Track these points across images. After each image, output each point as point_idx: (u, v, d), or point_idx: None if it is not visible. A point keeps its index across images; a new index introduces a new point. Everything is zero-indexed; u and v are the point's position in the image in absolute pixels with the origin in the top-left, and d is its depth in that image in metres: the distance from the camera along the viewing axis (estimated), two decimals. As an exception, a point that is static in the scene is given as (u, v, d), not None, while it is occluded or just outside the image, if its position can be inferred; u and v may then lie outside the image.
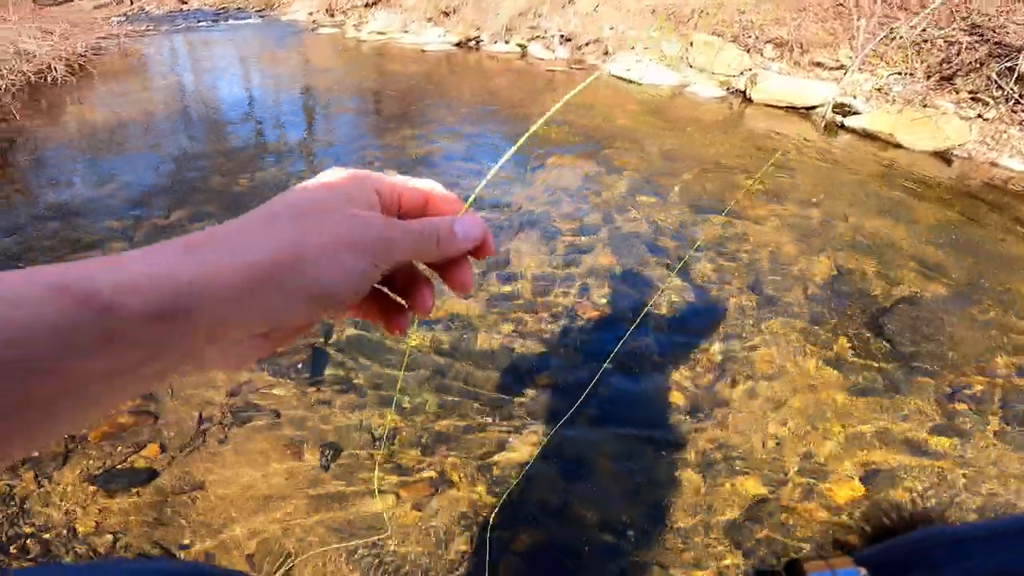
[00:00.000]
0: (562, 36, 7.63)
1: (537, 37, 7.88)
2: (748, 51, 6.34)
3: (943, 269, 2.98)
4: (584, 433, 1.97)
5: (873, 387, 2.21)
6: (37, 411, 0.23)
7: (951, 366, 2.32)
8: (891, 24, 5.64)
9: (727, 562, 1.60)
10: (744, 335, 2.46)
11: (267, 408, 2.05)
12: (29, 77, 5.94)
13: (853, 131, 5.05)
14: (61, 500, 1.72)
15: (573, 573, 1.57)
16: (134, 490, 1.75)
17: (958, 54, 5.10)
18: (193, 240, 0.28)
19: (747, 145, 4.71)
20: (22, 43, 6.39)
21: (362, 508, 1.71)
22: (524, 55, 7.81)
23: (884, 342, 2.44)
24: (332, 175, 0.34)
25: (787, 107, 5.59)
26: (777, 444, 1.96)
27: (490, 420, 2.03)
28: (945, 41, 5.31)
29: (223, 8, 11.78)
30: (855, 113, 5.19)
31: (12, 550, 1.58)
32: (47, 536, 1.62)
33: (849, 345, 2.42)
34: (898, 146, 4.75)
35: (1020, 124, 4.59)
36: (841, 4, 6.31)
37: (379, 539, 1.62)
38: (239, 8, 11.75)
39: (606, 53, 7.11)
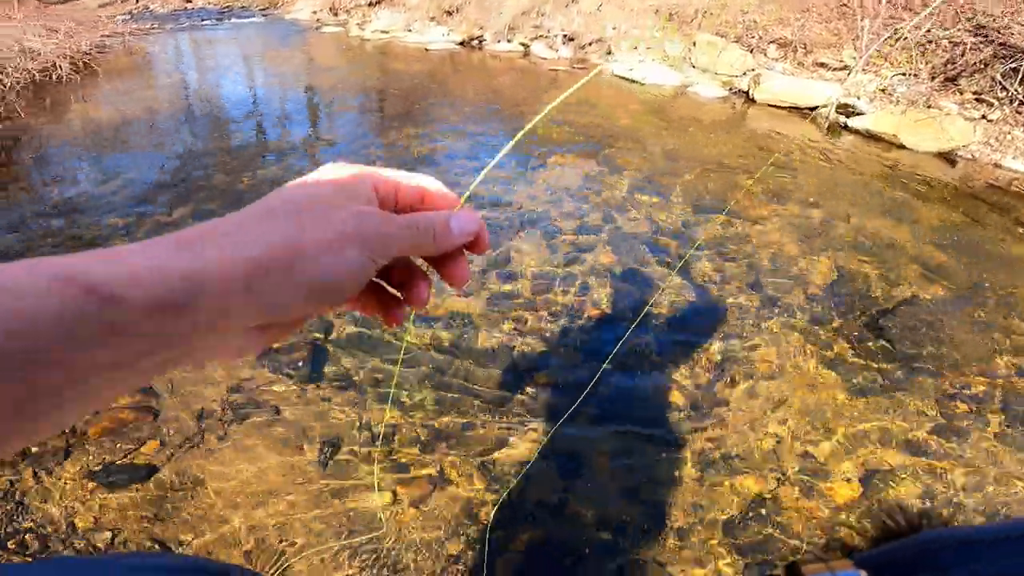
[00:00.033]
0: (565, 36, 7.63)
1: (540, 36, 7.88)
2: (751, 51, 6.32)
3: (945, 270, 2.97)
4: (583, 432, 1.97)
5: (873, 387, 2.21)
6: (39, 402, 0.24)
7: (952, 367, 2.31)
8: (896, 25, 5.62)
9: (725, 561, 1.60)
10: (744, 335, 2.45)
11: (267, 405, 2.05)
12: (34, 75, 5.97)
13: (856, 132, 5.04)
14: (60, 496, 1.73)
15: (571, 571, 1.57)
16: (133, 486, 1.76)
17: (963, 55, 5.09)
18: (193, 234, 0.28)
19: (749, 145, 4.70)
20: (27, 41, 6.42)
21: (361, 505, 1.71)
22: (527, 54, 7.81)
23: (884, 343, 2.44)
24: (330, 170, 0.34)
25: (790, 107, 5.58)
26: (776, 444, 1.96)
27: (489, 418, 2.03)
28: (950, 42, 5.29)
29: (227, 7, 11.81)
30: (858, 114, 5.17)
31: (11, 545, 1.59)
32: (46, 532, 1.63)
33: (849, 345, 2.42)
34: (901, 147, 4.74)
35: (1024, 125, 4.57)
36: (845, 5, 6.29)
37: (377, 536, 1.63)
38: (243, 7, 11.78)
39: (609, 53, 7.10)
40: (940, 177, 4.23)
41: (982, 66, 4.94)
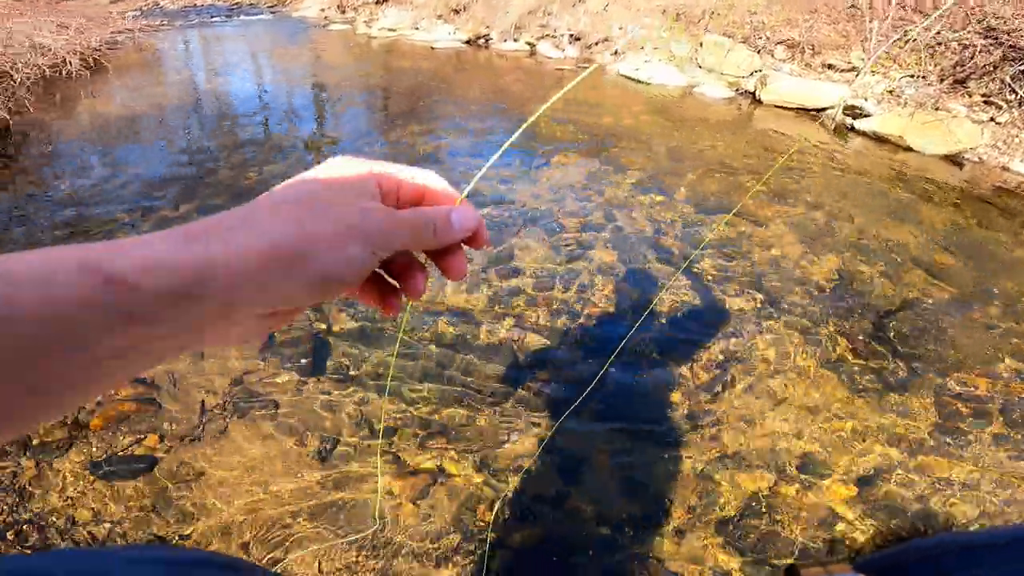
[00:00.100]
0: (571, 35, 7.62)
1: (546, 36, 7.88)
2: (759, 52, 6.30)
3: (950, 273, 2.95)
4: (584, 429, 1.97)
5: (874, 388, 2.20)
6: (57, 383, 0.25)
7: (954, 369, 2.30)
8: (905, 26, 5.58)
9: (724, 560, 1.60)
10: (746, 335, 2.45)
11: (268, 399, 2.07)
12: (44, 71, 6.02)
13: (863, 134, 5.01)
14: (61, 488, 1.74)
15: (570, 567, 1.57)
16: (134, 478, 1.77)
17: (972, 57, 5.05)
18: (201, 227, 0.29)
19: (755, 146, 4.68)
20: (38, 37, 6.48)
21: (360, 499, 1.72)
22: (533, 53, 7.80)
23: (887, 344, 2.43)
24: (334, 165, 0.35)
25: (797, 109, 5.55)
26: (776, 443, 1.96)
27: (490, 414, 2.03)
28: (959, 44, 5.25)
29: (236, 4, 11.87)
30: (866, 115, 5.14)
31: (10, 536, 1.60)
32: (45, 523, 1.64)
33: (851, 346, 2.41)
34: (908, 149, 4.71)
35: (1034, 128, 4.53)
36: (854, 6, 6.25)
37: (376, 530, 1.64)
38: (251, 4, 11.83)
39: (615, 52, 7.09)
40: (947, 180, 4.20)
41: (991, 68, 4.90)
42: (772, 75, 5.85)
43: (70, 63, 6.31)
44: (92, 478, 1.77)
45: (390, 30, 9.03)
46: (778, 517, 1.72)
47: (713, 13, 6.77)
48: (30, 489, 1.73)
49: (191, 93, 6.01)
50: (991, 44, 5.02)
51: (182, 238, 0.28)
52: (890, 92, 5.29)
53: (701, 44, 6.55)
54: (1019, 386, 2.23)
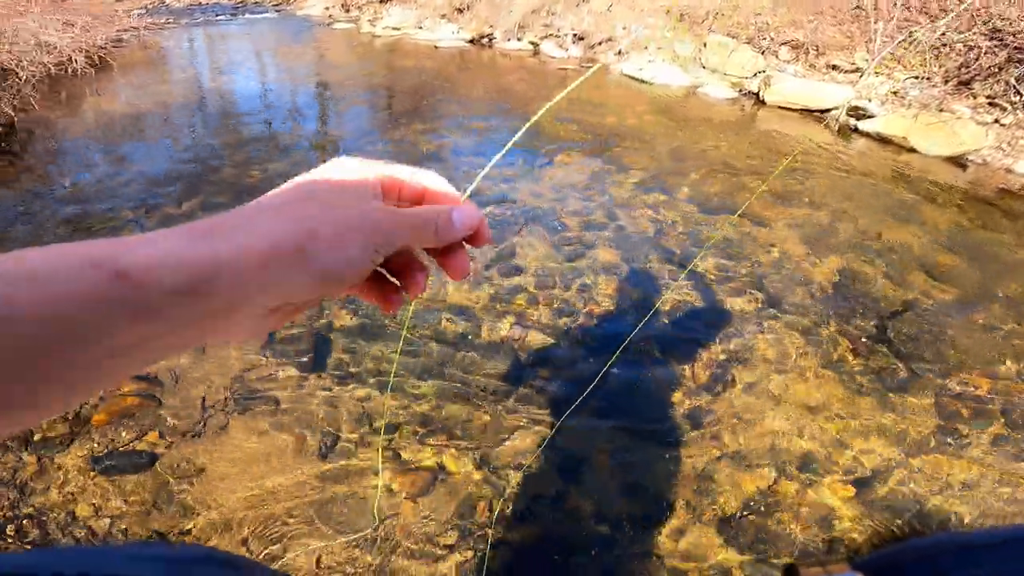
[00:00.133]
0: (575, 35, 7.62)
1: (550, 35, 7.88)
2: (763, 53, 6.28)
3: (952, 275, 2.95)
4: (584, 427, 1.98)
5: (875, 389, 2.20)
6: (66, 378, 0.26)
7: (955, 370, 2.30)
8: (910, 28, 5.56)
9: (724, 558, 1.60)
10: (747, 334, 2.45)
11: (268, 395, 2.08)
12: (49, 69, 6.04)
13: (867, 135, 4.99)
14: (62, 483, 1.74)
15: (570, 565, 1.58)
16: (134, 474, 1.78)
17: (977, 59, 5.03)
18: (207, 225, 0.30)
19: (758, 147, 4.68)
20: (44, 35, 6.51)
21: (360, 496, 1.73)
22: (536, 53, 7.80)
23: (888, 345, 2.42)
24: (337, 165, 0.35)
25: (801, 109, 5.54)
26: (777, 442, 1.96)
27: (491, 412, 2.04)
28: (964, 45, 5.23)
29: (241, 2, 11.90)
30: (870, 117, 5.13)
31: (9, 532, 1.60)
32: (46, 519, 1.64)
33: (852, 347, 2.41)
34: (912, 150, 4.69)
35: (1038, 130, 4.51)
36: (859, 7, 6.23)
37: (376, 527, 1.64)
38: (256, 2, 11.86)
39: (619, 52, 7.09)
40: (950, 181, 4.19)
41: (996, 70, 4.88)
42: (776, 76, 5.84)
43: (75, 61, 6.34)
44: (93, 473, 1.78)
45: (394, 29, 9.05)
46: (778, 516, 1.72)
47: (717, 14, 6.76)
48: (31, 484, 1.74)
49: (196, 91, 6.04)
50: (996, 45, 5.00)
51: (188, 236, 0.28)
52: (894, 93, 5.27)
53: (705, 44, 6.54)
54: (1020, 387, 2.22)
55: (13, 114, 4.82)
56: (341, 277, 0.32)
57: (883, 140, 4.89)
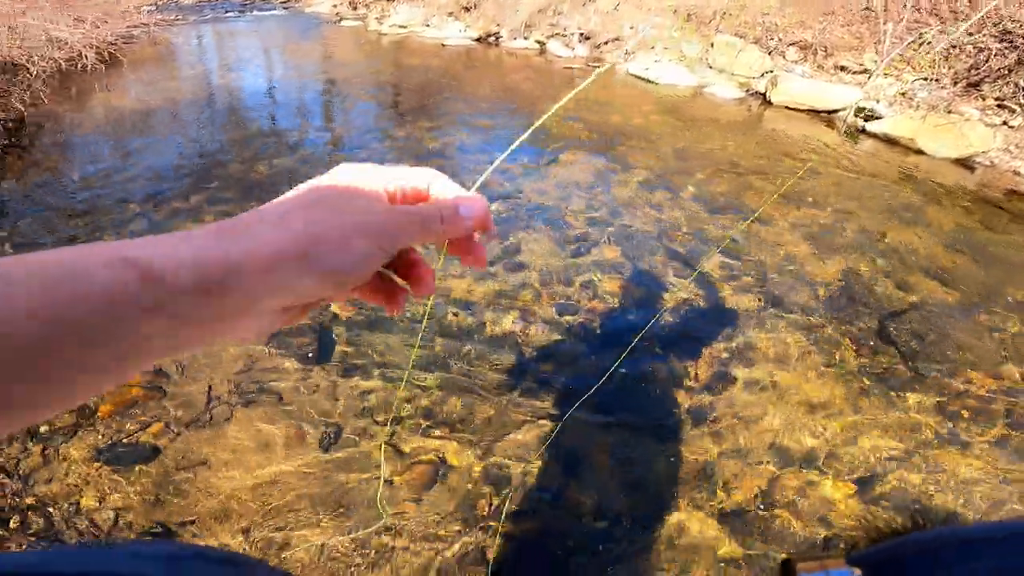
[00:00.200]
0: (581, 34, 7.61)
1: (556, 34, 7.88)
2: (770, 53, 6.26)
3: (958, 276, 2.93)
4: (587, 423, 1.98)
5: (877, 388, 2.19)
6: (90, 369, 0.27)
7: (958, 371, 2.29)
8: (919, 29, 5.53)
9: (723, 552, 1.61)
10: (751, 333, 2.45)
11: (273, 388, 2.09)
12: (60, 64, 6.09)
13: (875, 136, 4.97)
14: (66, 473, 1.75)
15: (571, 559, 1.58)
16: (138, 466, 1.79)
17: (987, 60, 4.99)
18: (226, 226, 0.31)
19: (765, 147, 4.66)
20: (55, 31, 6.56)
21: (363, 491, 1.74)
22: (543, 52, 7.80)
23: (892, 345, 2.42)
24: (341, 171, 0.37)
25: (808, 110, 5.52)
26: (777, 440, 1.96)
27: (495, 406, 2.05)
28: (974, 47, 5.19)
29: None
30: (877, 118, 5.10)
31: (12, 524, 1.60)
32: (50, 509, 1.65)
33: (855, 347, 2.40)
34: (920, 152, 4.67)
35: (1048, 133, 4.47)
36: (868, 8, 6.20)
37: (378, 522, 1.65)
38: None
39: (626, 52, 7.08)
40: (957, 183, 4.17)
41: (1006, 72, 4.84)
42: (783, 76, 5.82)
43: (86, 57, 6.38)
44: (98, 464, 1.79)
45: (401, 27, 9.07)
46: (779, 512, 1.72)
47: (725, 14, 6.74)
48: (36, 474, 1.74)
49: (204, 87, 6.07)
50: (1006, 47, 4.96)
51: (203, 238, 0.30)
52: (903, 95, 5.24)
53: (712, 44, 6.52)
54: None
55: (23, 109, 4.87)
56: (347, 278, 0.33)
57: (890, 141, 4.86)
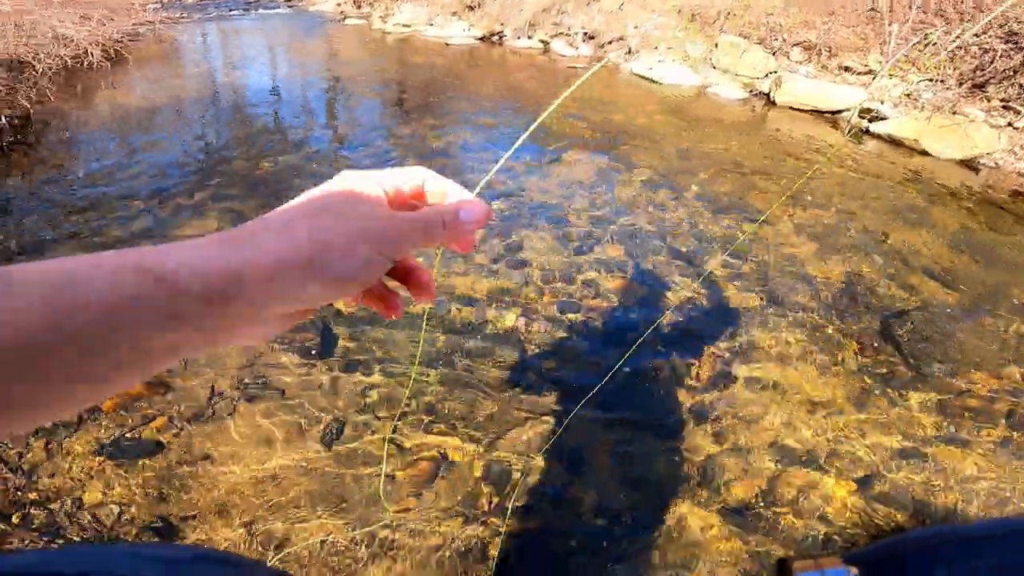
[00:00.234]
0: (585, 33, 7.61)
1: (560, 34, 7.88)
2: (774, 54, 6.25)
3: (962, 277, 2.92)
4: (589, 421, 1.99)
5: (879, 388, 2.19)
6: (108, 373, 0.28)
7: (960, 372, 2.28)
8: (925, 30, 5.51)
9: (723, 549, 1.61)
10: (752, 333, 2.45)
11: (275, 384, 2.10)
12: (66, 61, 6.12)
13: (879, 137, 4.96)
14: (69, 468, 1.76)
15: (573, 556, 1.59)
16: (142, 460, 1.79)
17: (992, 61, 4.97)
18: (230, 235, 0.32)
19: (768, 147, 4.66)
20: (61, 28, 6.59)
21: (365, 488, 1.75)
22: (547, 51, 7.80)
23: (895, 345, 2.41)
24: (344, 179, 0.38)
25: (812, 111, 5.51)
26: (778, 439, 1.96)
27: (497, 405, 2.05)
28: (980, 48, 5.17)
29: (254, -2, 11.97)
30: (882, 119, 5.09)
31: (15, 519, 1.60)
32: (53, 504, 1.65)
33: (858, 347, 2.40)
34: (924, 153, 4.65)
35: (1053, 134, 4.46)
36: (874, 9, 6.18)
37: (381, 519, 1.66)
38: (270, -2, 11.93)
39: (629, 51, 7.07)
40: (962, 184, 4.15)
41: (1012, 73, 4.82)
42: (787, 76, 5.81)
43: (92, 54, 6.41)
44: (101, 458, 1.79)
45: (405, 26, 9.08)
46: (778, 513, 1.72)
47: (729, 14, 6.73)
48: (39, 469, 1.74)
49: (209, 85, 6.09)
50: (1012, 48, 4.94)
51: (209, 247, 0.31)
52: (907, 95, 5.23)
53: (716, 44, 6.52)
54: (1027, 391, 2.21)
55: (29, 106, 4.89)
56: (352, 284, 0.34)
57: (895, 142, 4.85)
